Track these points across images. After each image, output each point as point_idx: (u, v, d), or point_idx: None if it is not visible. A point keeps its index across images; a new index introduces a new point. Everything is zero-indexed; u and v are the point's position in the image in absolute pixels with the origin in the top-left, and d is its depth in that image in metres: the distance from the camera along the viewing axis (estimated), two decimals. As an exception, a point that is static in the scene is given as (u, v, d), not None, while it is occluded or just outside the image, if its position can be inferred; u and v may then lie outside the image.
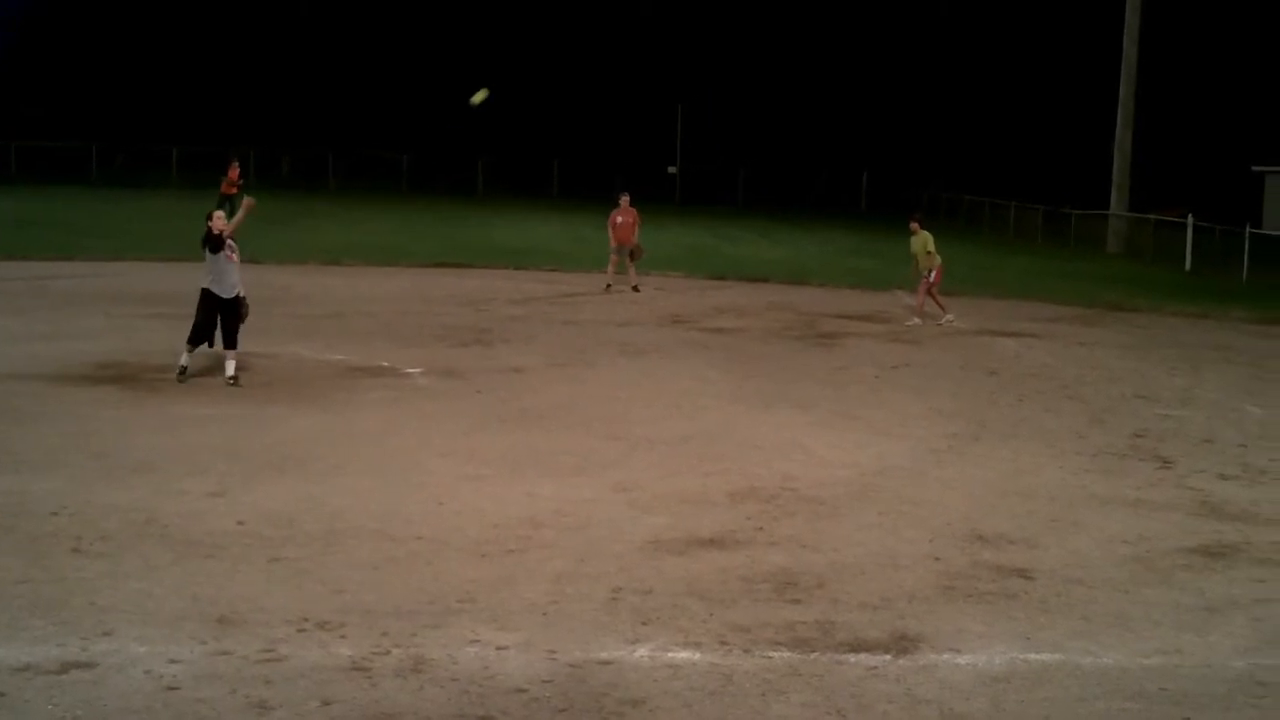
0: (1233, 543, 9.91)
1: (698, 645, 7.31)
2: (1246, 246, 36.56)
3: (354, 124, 68.17)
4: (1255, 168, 54.99)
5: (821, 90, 72.53)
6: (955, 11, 71.10)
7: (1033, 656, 7.36)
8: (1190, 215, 41.19)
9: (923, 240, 22.73)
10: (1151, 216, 44.84)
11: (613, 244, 26.15)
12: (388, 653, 7.02)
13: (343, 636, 7.25)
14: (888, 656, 7.26)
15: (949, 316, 22.66)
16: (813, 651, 7.30)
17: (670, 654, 7.19)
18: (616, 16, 72.50)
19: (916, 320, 22.46)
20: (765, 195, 65.56)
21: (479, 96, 20.65)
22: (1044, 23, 68.21)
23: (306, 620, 7.47)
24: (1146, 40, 45.69)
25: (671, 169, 66.57)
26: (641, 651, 7.21)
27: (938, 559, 9.13)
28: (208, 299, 14.73)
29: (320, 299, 22.73)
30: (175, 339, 15.39)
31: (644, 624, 7.62)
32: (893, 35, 71.88)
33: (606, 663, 7.04)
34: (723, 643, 7.37)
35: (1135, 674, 7.20)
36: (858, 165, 69.36)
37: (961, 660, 7.26)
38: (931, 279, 22.68)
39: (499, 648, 7.16)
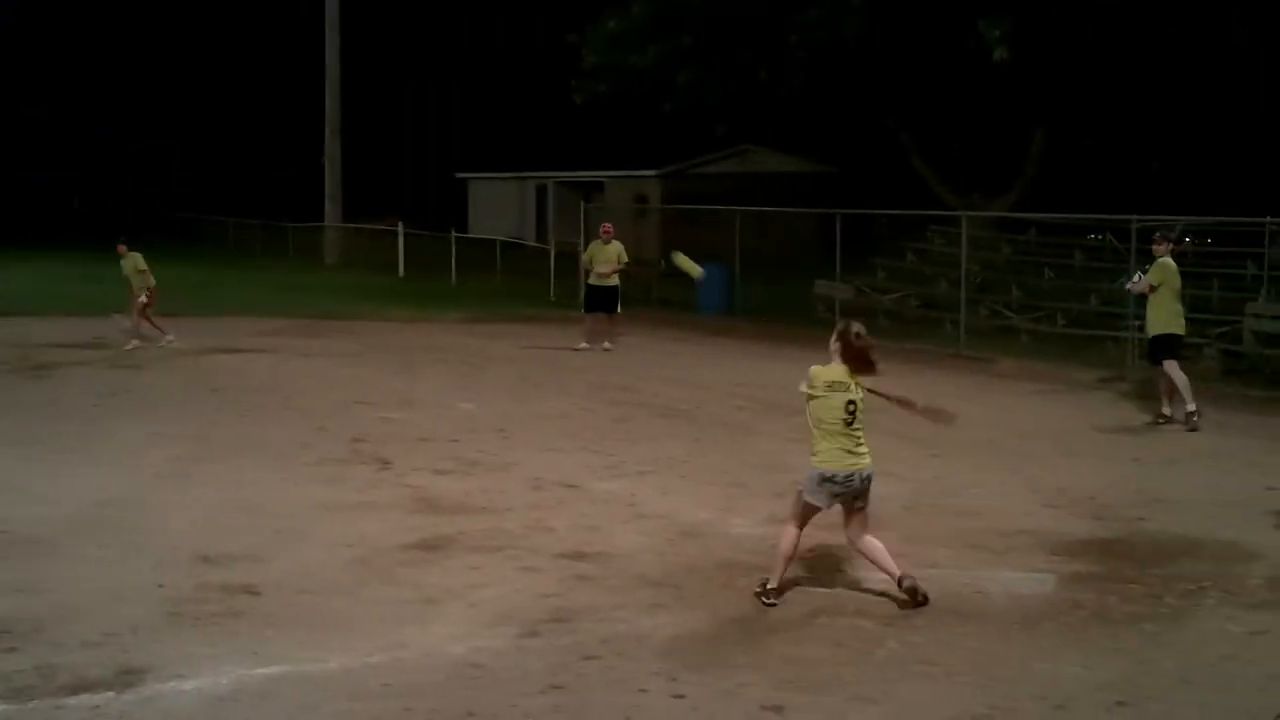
0: (448, 534, 10.50)
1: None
2: (453, 250, 38.93)
3: None
4: (459, 174, 58.51)
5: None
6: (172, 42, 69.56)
7: (259, 671, 7.41)
8: (401, 223, 43.12)
9: (133, 261, 22.06)
10: (366, 226, 46.51)
11: None
12: None
13: None
14: (111, 693, 7.02)
15: (169, 337, 22.24)
16: (31, 700, 6.94)
17: None
18: None
19: (136, 344, 21.82)
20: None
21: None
22: (249, 35, 68.51)
23: None
24: (305, 56, 47.25)
25: None
26: None
27: (162, 586, 8.96)
28: None
29: None
30: None
31: None
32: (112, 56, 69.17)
33: None
34: (-80, 710, 6.83)
35: (359, 674, 7.45)
36: (70, 189, 66.36)
37: (186, 686, 7.16)
38: (145, 300, 22.08)
39: None
